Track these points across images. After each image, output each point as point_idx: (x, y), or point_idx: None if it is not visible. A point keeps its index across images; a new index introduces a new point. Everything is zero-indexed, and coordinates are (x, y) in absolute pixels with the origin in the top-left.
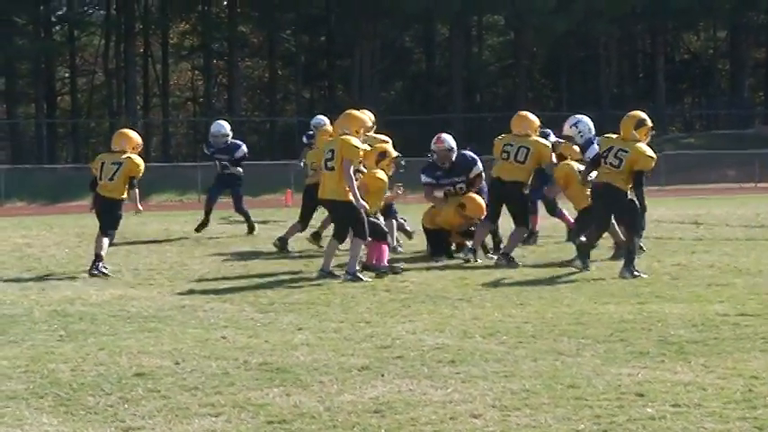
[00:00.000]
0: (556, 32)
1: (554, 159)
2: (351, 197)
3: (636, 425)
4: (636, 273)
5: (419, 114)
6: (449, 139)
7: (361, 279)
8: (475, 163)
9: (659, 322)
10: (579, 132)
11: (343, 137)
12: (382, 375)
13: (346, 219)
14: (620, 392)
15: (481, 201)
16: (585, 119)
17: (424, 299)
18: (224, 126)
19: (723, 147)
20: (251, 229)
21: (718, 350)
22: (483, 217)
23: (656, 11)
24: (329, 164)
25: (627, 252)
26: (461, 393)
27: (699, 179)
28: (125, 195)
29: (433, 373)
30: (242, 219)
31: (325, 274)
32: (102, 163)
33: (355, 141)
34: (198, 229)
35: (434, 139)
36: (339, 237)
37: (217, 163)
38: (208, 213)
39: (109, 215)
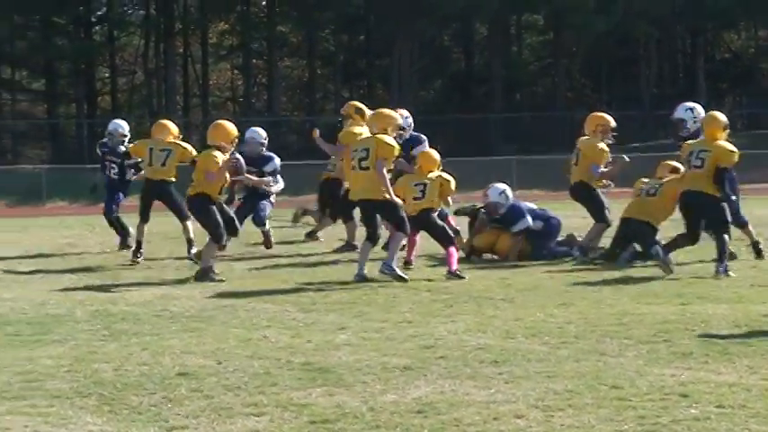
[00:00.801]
0: (595, 32)
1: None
2: (386, 195)
3: (680, 426)
4: (729, 272)
5: (458, 113)
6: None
7: (401, 276)
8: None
9: (702, 323)
10: (694, 118)
11: (378, 135)
12: (425, 375)
13: (385, 217)
14: (663, 393)
15: None
16: (700, 107)
17: (466, 299)
18: (260, 134)
19: (765, 146)
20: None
21: (762, 351)
22: None
23: (696, 11)
24: (363, 163)
25: (720, 252)
26: (504, 394)
27: (740, 179)
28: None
29: (475, 374)
30: (284, 221)
31: (361, 278)
32: (151, 149)
33: (389, 140)
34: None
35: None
36: (372, 239)
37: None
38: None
39: (169, 198)
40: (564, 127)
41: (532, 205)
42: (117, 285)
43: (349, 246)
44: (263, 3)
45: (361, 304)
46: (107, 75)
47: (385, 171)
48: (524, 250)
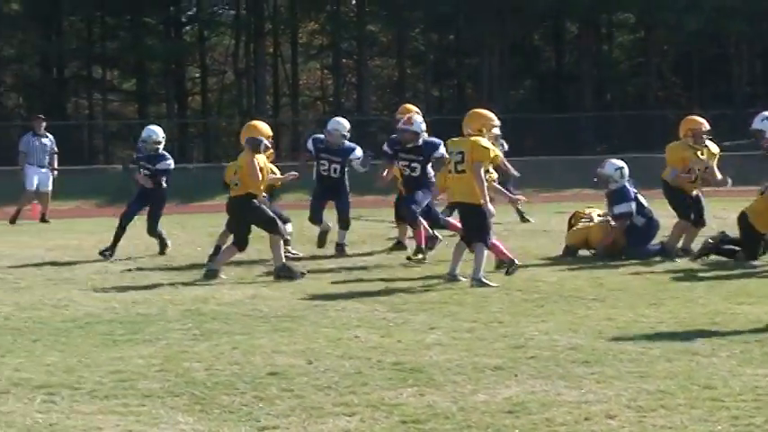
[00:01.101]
0: (687, 30)
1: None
2: (481, 201)
3: None
4: None
5: (549, 113)
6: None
7: (489, 284)
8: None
9: None
10: None
11: (473, 138)
12: (516, 375)
13: (472, 223)
14: (757, 393)
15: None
16: None
17: (557, 299)
18: (343, 125)
19: None
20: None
21: None
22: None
23: None
24: (459, 166)
25: None
26: (596, 394)
27: None
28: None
29: (567, 374)
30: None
31: (452, 278)
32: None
33: (485, 142)
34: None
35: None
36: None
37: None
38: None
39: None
40: (655, 126)
41: (644, 200)
42: (208, 285)
43: (399, 245)
44: (353, 2)
45: (452, 304)
46: (197, 74)
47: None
48: (618, 243)
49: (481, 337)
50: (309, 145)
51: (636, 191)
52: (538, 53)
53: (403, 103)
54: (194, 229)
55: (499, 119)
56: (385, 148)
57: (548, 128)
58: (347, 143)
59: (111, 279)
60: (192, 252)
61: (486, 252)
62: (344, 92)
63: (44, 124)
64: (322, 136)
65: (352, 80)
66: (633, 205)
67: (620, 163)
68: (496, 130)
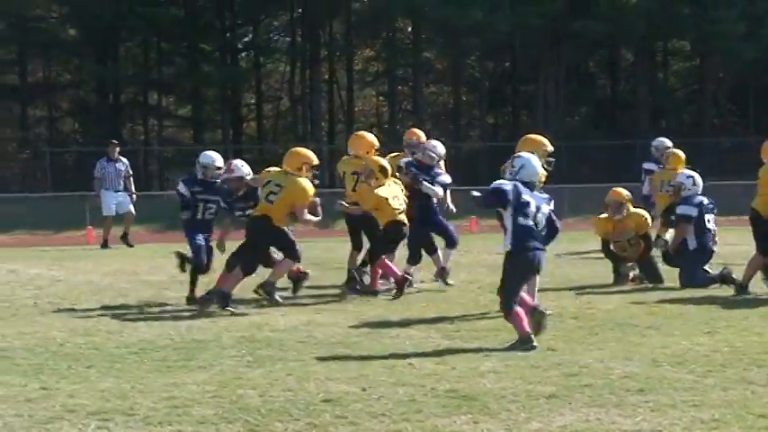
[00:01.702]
0: (743, 58)
1: None
2: None
3: None
4: None
5: (604, 140)
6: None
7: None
8: None
9: None
10: None
11: None
12: (570, 404)
13: None
14: None
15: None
16: None
17: (611, 326)
18: (435, 148)
19: None
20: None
21: None
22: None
23: None
24: None
25: None
26: (650, 422)
27: None
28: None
29: (621, 402)
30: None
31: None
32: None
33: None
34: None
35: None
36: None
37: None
38: None
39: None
40: (710, 153)
41: (711, 224)
42: (261, 312)
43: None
44: (409, 29)
45: (505, 331)
46: (253, 101)
47: None
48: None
49: (535, 364)
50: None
51: (710, 208)
52: (593, 80)
53: (458, 129)
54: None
55: (554, 145)
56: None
57: (602, 155)
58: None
59: (168, 306)
60: (246, 278)
61: None
62: (400, 119)
63: (118, 149)
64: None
65: (407, 107)
66: (695, 211)
67: (693, 173)
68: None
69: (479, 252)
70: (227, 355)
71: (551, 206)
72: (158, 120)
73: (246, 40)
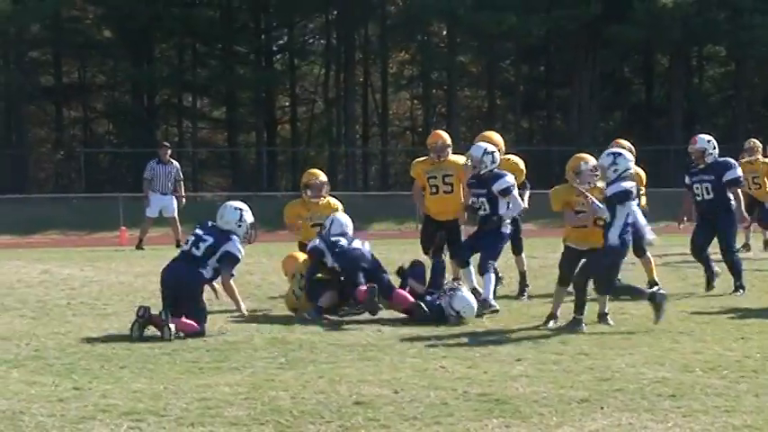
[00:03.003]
0: None
1: None
2: None
3: None
4: None
5: (638, 145)
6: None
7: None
8: None
9: None
10: None
11: None
12: (602, 408)
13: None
14: None
15: None
16: None
17: (644, 331)
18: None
19: None
20: None
21: None
22: None
23: None
24: None
25: None
26: (682, 428)
27: None
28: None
29: (653, 407)
30: None
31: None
32: None
33: None
34: None
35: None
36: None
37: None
38: None
39: None
40: None
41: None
42: (293, 314)
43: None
44: (444, 33)
45: (537, 335)
46: (287, 103)
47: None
48: None
49: (567, 369)
50: None
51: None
52: (628, 85)
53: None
54: (281, 256)
55: (589, 151)
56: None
57: (636, 160)
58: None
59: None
60: (278, 280)
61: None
62: (434, 122)
63: (169, 152)
64: None
65: (441, 110)
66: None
67: (708, 137)
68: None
69: (511, 257)
70: (260, 357)
71: None
72: (193, 122)
73: (281, 42)
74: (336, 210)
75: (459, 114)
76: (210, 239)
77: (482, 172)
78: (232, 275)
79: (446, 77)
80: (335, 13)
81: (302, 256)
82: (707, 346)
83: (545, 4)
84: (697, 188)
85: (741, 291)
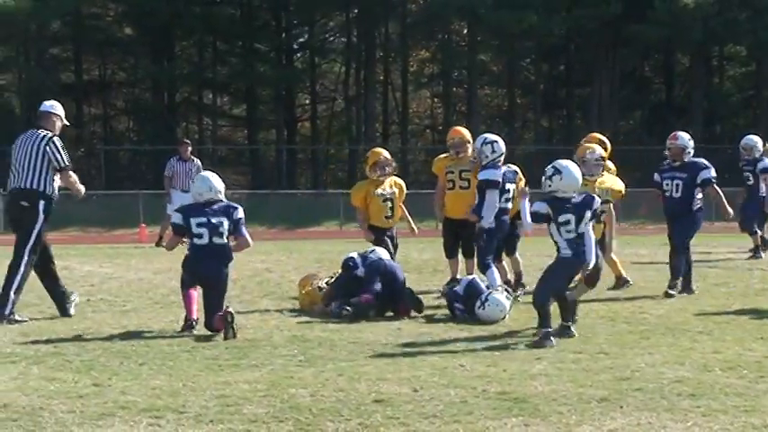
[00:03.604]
0: None
1: None
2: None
3: None
4: None
5: (658, 145)
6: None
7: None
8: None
9: None
10: None
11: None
12: (621, 407)
13: None
14: None
15: None
16: None
17: (663, 331)
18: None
19: None
20: None
21: None
22: None
23: None
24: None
25: None
26: (701, 427)
27: None
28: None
29: (672, 407)
30: None
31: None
32: None
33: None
34: None
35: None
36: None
37: None
38: None
39: None
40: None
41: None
42: (313, 312)
43: (455, 281)
44: (465, 31)
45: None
46: (307, 101)
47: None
48: None
49: (587, 368)
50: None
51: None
52: (648, 84)
53: (512, 132)
54: (301, 254)
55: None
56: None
57: (656, 159)
58: None
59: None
60: (297, 278)
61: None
62: (454, 121)
63: (189, 149)
64: None
65: (461, 109)
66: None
67: (688, 135)
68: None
69: (531, 256)
70: (279, 355)
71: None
72: (213, 119)
73: (302, 40)
74: (402, 187)
75: (479, 113)
76: (225, 220)
77: (483, 162)
78: None
79: (466, 76)
80: (356, 10)
81: (316, 276)
82: (726, 345)
83: (566, 2)
84: (667, 185)
85: (674, 291)
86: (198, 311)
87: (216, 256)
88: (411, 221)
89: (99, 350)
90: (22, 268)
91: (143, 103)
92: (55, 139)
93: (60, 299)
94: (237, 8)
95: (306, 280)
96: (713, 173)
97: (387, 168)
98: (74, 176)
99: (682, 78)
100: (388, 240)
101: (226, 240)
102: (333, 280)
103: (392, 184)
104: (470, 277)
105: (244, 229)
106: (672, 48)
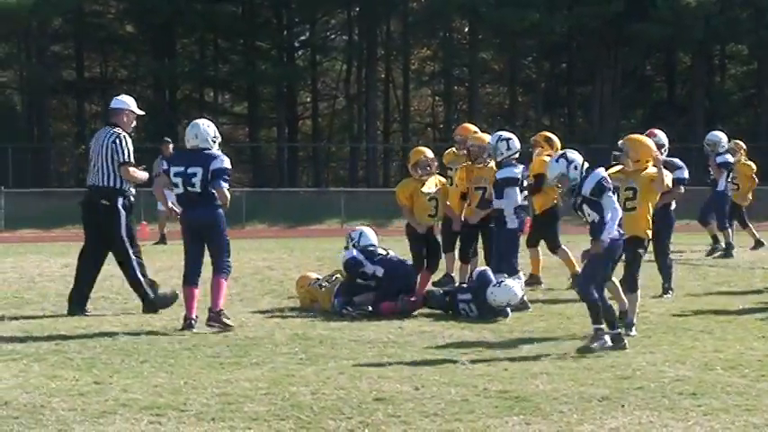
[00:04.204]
0: None
1: None
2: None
3: None
4: None
5: None
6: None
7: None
8: None
9: None
10: None
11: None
12: (622, 406)
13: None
14: None
15: None
16: None
17: (664, 330)
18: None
19: None
20: None
21: None
22: None
23: None
24: (629, 203)
25: None
26: (702, 426)
27: None
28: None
29: (673, 405)
30: None
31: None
32: None
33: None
34: None
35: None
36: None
37: None
38: None
39: None
40: (766, 157)
41: None
42: (315, 310)
43: (448, 277)
44: (466, 29)
45: (559, 334)
46: (308, 99)
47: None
48: None
49: (588, 366)
50: None
51: None
52: (649, 83)
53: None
54: (302, 252)
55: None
56: None
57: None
58: None
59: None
60: (298, 276)
61: None
62: (455, 119)
63: (171, 147)
64: None
65: (462, 107)
66: None
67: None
68: None
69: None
70: (280, 353)
71: None
72: (214, 117)
73: (303, 38)
74: (446, 186)
75: (480, 111)
76: (200, 170)
77: (498, 159)
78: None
79: (468, 74)
80: (357, 9)
81: (314, 275)
82: (728, 344)
83: (567, 1)
84: None
85: (670, 293)
86: (197, 309)
87: (194, 205)
88: (456, 219)
89: (100, 348)
90: (132, 263)
91: (144, 100)
92: (122, 135)
93: (82, 293)
94: (239, 6)
95: (303, 280)
96: (686, 174)
97: (428, 168)
98: (132, 169)
99: (683, 77)
100: (428, 237)
101: (200, 190)
102: (339, 284)
103: (436, 183)
104: (483, 267)
105: (221, 182)
106: (673, 46)
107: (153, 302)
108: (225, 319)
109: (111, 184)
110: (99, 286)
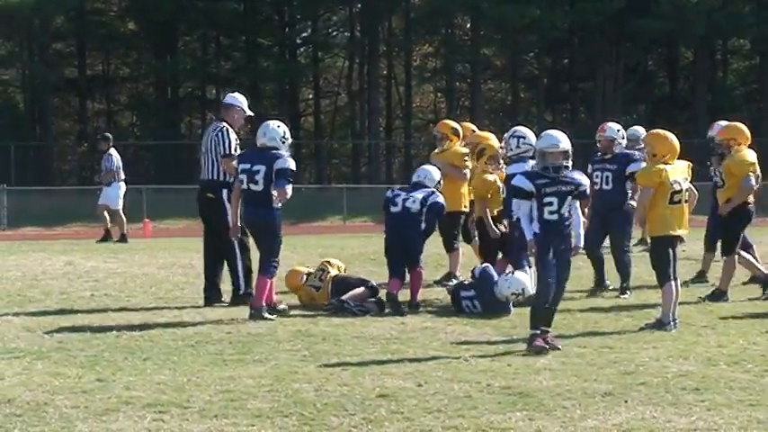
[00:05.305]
0: None
1: None
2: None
3: None
4: None
5: None
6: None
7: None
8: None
9: None
10: None
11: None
12: (626, 402)
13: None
14: None
15: None
16: None
17: None
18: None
19: None
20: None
21: None
22: None
23: None
24: (676, 197)
25: None
26: (706, 421)
27: None
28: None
29: (677, 401)
30: None
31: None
32: None
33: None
34: None
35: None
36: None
37: None
38: None
39: None
40: None
41: None
42: (317, 306)
43: (450, 276)
44: (468, 26)
45: (562, 329)
46: (310, 96)
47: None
48: None
49: (591, 362)
50: None
51: None
52: (651, 78)
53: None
54: (305, 249)
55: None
56: None
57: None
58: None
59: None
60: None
61: None
62: (457, 115)
63: (106, 144)
64: None
65: (465, 103)
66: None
67: (618, 126)
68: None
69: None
70: (283, 349)
71: None
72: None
73: (305, 35)
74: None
75: (482, 107)
76: (263, 168)
77: (509, 154)
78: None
79: (470, 70)
80: (359, 5)
81: (304, 270)
82: (731, 339)
83: None
84: (597, 176)
85: (628, 292)
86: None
87: (254, 203)
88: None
89: (103, 345)
90: (237, 254)
91: (146, 98)
92: (225, 128)
93: (213, 282)
94: (240, 3)
95: (294, 274)
96: (642, 166)
97: (500, 162)
98: (234, 162)
99: (685, 72)
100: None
101: (262, 188)
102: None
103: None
104: (485, 265)
105: (283, 181)
106: (675, 42)
107: (241, 297)
108: (266, 314)
109: (215, 176)
110: (102, 283)
